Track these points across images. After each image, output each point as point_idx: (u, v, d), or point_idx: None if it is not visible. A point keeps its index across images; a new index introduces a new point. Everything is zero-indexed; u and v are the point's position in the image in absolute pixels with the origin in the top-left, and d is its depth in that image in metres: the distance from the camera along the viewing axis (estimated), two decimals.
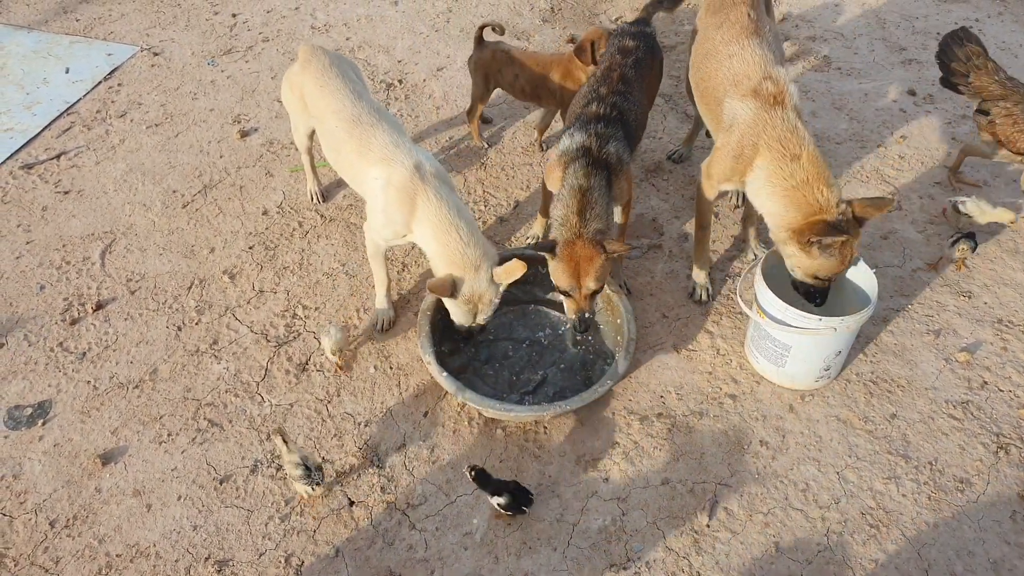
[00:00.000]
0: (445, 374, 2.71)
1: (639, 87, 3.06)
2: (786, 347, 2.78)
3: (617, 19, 4.94)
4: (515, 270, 2.65)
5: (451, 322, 3.06)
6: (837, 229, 2.51)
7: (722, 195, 3.10)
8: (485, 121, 4.10)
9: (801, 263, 2.63)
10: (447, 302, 2.73)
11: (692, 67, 3.15)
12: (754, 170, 2.69)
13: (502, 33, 3.81)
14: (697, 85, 3.08)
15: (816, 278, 2.66)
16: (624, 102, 2.91)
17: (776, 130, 2.64)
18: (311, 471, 2.48)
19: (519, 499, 2.51)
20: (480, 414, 2.84)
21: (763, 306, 2.76)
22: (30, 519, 2.57)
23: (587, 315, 2.70)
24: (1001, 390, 2.92)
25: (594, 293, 2.67)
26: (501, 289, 2.72)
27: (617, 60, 3.06)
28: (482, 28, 3.70)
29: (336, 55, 3.13)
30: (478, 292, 2.68)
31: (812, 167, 2.57)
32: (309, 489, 2.50)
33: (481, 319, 2.76)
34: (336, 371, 2.97)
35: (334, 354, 2.90)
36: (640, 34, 3.20)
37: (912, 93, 4.32)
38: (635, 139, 3.00)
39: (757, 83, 2.74)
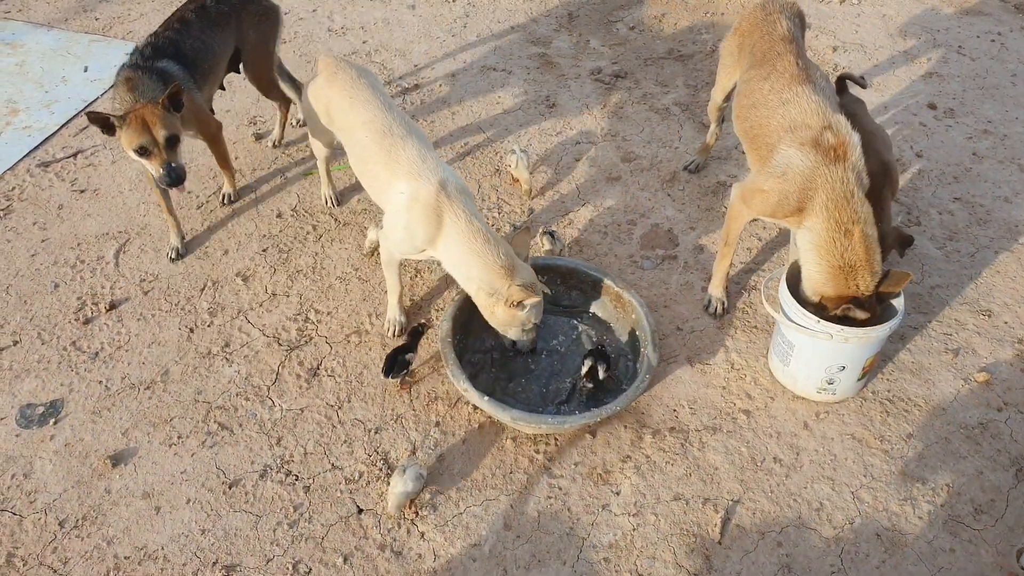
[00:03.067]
0: (487, 398, 2.66)
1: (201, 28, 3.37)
2: (791, 345, 2.79)
3: (633, 27, 4.92)
4: (525, 235, 2.79)
5: (470, 347, 3.02)
6: (859, 310, 2.61)
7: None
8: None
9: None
10: (508, 322, 2.71)
11: (737, 118, 3.11)
12: (803, 228, 2.70)
13: (864, 87, 3.49)
14: (746, 133, 3.04)
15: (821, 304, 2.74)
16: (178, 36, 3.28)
17: (834, 192, 2.61)
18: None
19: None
20: (507, 428, 2.82)
21: (780, 296, 2.81)
22: (40, 519, 2.57)
23: (173, 165, 3.02)
24: (1021, 412, 2.87)
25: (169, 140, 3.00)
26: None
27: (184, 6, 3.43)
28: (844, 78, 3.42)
29: (361, 67, 3.13)
30: (530, 280, 2.70)
31: (862, 249, 2.58)
32: None
33: (536, 316, 2.73)
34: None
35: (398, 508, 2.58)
36: None
37: (932, 107, 4.28)
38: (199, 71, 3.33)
39: (817, 133, 2.69)
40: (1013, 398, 2.92)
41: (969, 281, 3.35)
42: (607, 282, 3.07)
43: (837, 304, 2.64)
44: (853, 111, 3.27)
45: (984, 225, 3.61)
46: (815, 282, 2.69)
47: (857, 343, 2.66)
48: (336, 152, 3.53)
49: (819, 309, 2.72)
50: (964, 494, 2.64)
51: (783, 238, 3.55)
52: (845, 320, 2.65)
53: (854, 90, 3.44)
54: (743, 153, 3.91)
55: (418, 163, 2.76)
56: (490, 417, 2.84)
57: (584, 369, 2.81)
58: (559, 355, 3.05)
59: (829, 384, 2.82)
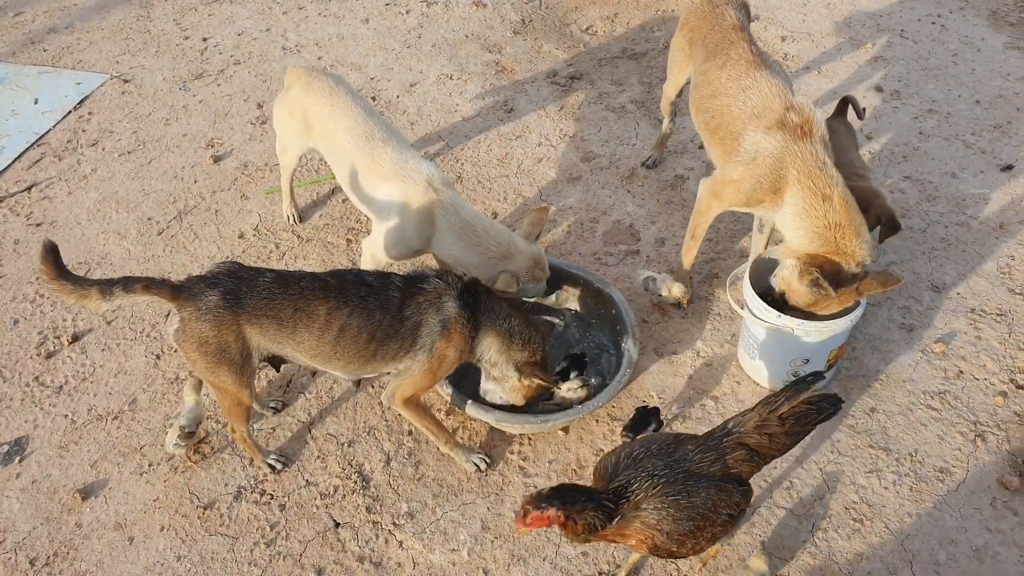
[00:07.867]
0: (470, 402, 2.66)
1: None
2: (756, 339, 2.83)
3: (586, 29, 4.99)
4: (541, 215, 2.85)
5: None
6: (838, 281, 2.59)
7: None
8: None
9: (787, 279, 2.71)
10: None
11: (696, 110, 3.13)
12: (784, 204, 2.72)
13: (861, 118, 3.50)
14: (706, 124, 3.05)
15: (784, 297, 2.75)
16: None
17: (806, 165, 2.65)
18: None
19: None
20: (481, 428, 2.83)
21: (744, 292, 2.84)
22: (9, 558, 2.53)
23: None
24: (976, 378, 2.96)
25: None
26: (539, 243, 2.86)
27: None
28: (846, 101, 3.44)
29: (334, 74, 3.15)
30: (534, 256, 2.74)
31: (844, 210, 2.61)
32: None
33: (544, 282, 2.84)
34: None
35: None
36: None
37: (879, 89, 4.39)
38: None
39: (781, 114, 2.73)
40: (967, 366, 3.01)
41: (922, 256, 3.45)
42: (587, 279, 3.08)
43: (818, 266, 2.59)
44: (834, 129, 3.24)
45: (933, 201, 3.72)
46: (800, 246, 2.68)
47: (818, 336, 2.70)
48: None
49: (782, 305, 2.77)
50: (926, 462, 2.71)
51: (744, 226, 3.62)
52: (809, 316, 2.69)
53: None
54: (700, 147, 3.99)
55: (402, 164, 2.79)
56: (463, 422, 2.86)
57: (558, 368, 2.86)
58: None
59: (794, 377, 2.86)
